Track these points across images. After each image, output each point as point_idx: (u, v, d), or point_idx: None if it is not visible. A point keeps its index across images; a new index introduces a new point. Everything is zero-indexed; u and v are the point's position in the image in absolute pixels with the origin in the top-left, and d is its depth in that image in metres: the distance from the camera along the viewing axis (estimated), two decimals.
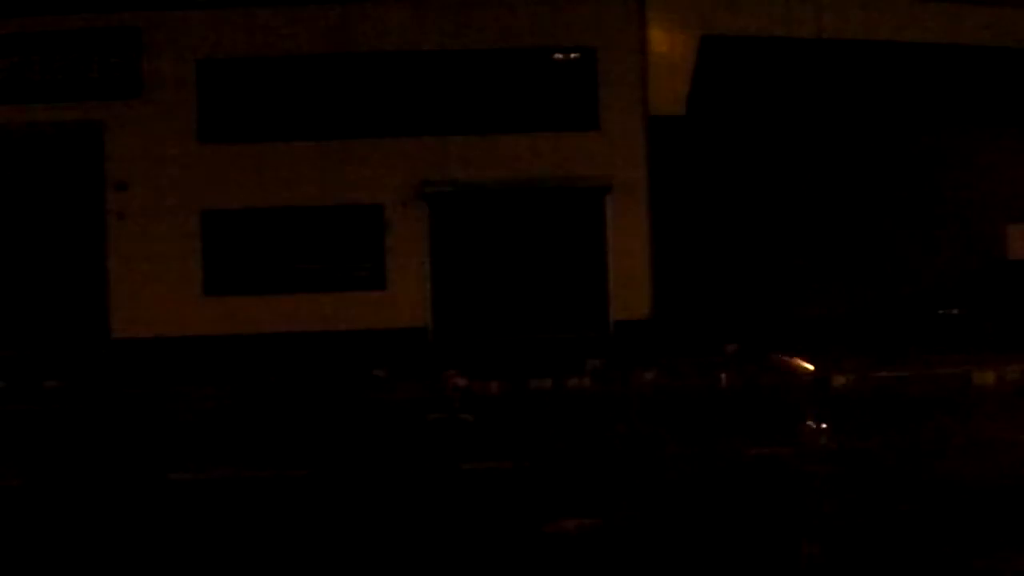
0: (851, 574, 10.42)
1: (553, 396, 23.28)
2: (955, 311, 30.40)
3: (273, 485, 14.83)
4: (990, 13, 31.38)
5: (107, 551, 11.78)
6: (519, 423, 19.87)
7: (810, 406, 20.35)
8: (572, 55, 30.68)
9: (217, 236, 30.17)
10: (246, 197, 30.14)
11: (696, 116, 30.34)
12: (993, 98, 31.41)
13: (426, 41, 30.36)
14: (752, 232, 30.61)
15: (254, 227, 30.22)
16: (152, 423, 20.89)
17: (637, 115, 30.41)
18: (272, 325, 29.73)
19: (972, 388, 22.37)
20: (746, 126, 30.68)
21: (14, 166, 30.03)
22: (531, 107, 30.53)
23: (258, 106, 30.37)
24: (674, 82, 30.29)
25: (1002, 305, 30.47)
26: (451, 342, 29.78)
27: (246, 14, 30.18)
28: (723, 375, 24.92)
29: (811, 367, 25.07)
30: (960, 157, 31.18)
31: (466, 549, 11.52)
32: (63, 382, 26.20)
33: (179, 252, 29.97)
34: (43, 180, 30.10)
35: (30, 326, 29.65)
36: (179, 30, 30.02)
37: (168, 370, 27.50)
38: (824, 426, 17.54)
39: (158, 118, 29.90)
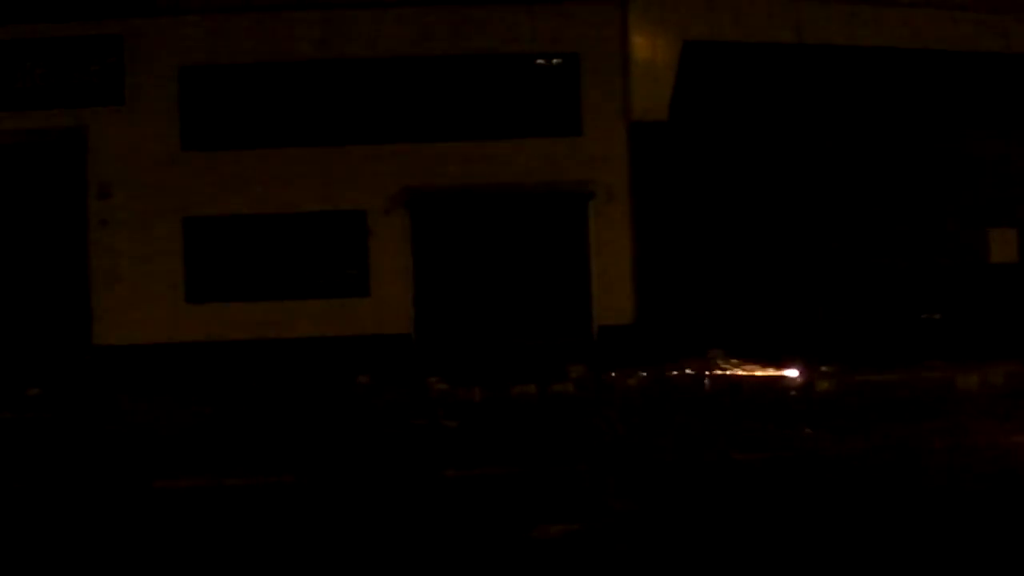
0: None
1: (537, 402, 23.25)
2: (938, 315, 30.49)
3: (257, 492, 14.80)
4: (972, 18, 31.46)
5: (92, 559, 11.75)
6: (503, 429, 19.86)
7: (794, 411, 20.41)
8: (555, 61, 30.69)
9: (200, 243, 30.14)
10: (229, 204, 30.12)
11: (678, 122, 30.36)
12: (974, 102, 31.50)
13: (408, 47, 30.31)
14: (735, 237, 30.66)
15: (237, 234, 30.19)
16: (136, 431, 20.84)
17: (619, 121, 30.43)
18: (255, 332, 29.70)
19: (956, 392, 22.38)
20: (728, 131, 30.73)
21: None
22: (514, 113, 30.52)
23: (241, 113, 30.32)
24: (656, 88, 30.33)
25: (984, 309, 30.56)
26: (435, 348, 29.78)
27: (229, 21, 30.13)
28: (707, 380, 24.93)
29: (795, 371, 25.13)
30: (942, 161, 31.26)
31: (451, 555, 11.52)
32: (45, 390, 26.10)
33: (162, 259, 29.93)
34: (26, 187, 30.06)
35: (12, 333, 29.58)
36: (162, 37, 29.95)
37: (151, 377, 27.45)
38: (808, 431, 17.59)
39: (141, 125, 29.84)
